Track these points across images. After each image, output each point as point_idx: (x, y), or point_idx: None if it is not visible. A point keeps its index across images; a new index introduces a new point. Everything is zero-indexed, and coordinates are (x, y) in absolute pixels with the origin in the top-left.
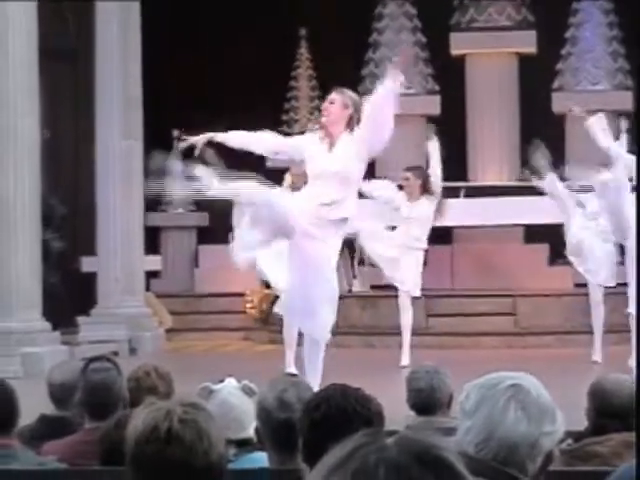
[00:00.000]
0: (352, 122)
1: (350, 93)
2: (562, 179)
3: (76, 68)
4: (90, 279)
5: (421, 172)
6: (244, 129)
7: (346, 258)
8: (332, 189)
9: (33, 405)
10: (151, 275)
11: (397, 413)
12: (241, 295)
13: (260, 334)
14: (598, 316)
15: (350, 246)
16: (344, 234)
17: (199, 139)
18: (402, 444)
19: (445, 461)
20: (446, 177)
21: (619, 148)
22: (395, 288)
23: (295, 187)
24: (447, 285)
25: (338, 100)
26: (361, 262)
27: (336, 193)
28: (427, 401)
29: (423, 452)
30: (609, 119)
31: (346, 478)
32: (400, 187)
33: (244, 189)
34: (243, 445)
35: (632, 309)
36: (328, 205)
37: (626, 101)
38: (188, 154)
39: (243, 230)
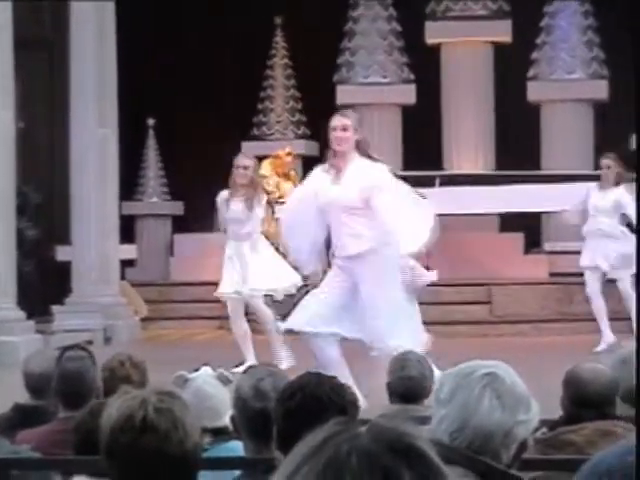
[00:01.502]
0: (360, 146)
1: (354, 114)
2: None
3: (51, 57)
4: (65, 268)
5: None
6: (221, 116)
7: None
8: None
9: (7, 394)
10: (126, 264)
11: (373, 401)
12: (216, 284)
13: None
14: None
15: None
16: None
17: None
18: (374, 432)
19: (418, 449)
20: (421, 166)
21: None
22: None
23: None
24: None
25: (350, 126)
26: None
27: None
28: (415, 389)
29: (395, 440)
30: (583, 108)
31: (318, 467)
32: None
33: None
34: (219, 434)
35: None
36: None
37: (601, 90)
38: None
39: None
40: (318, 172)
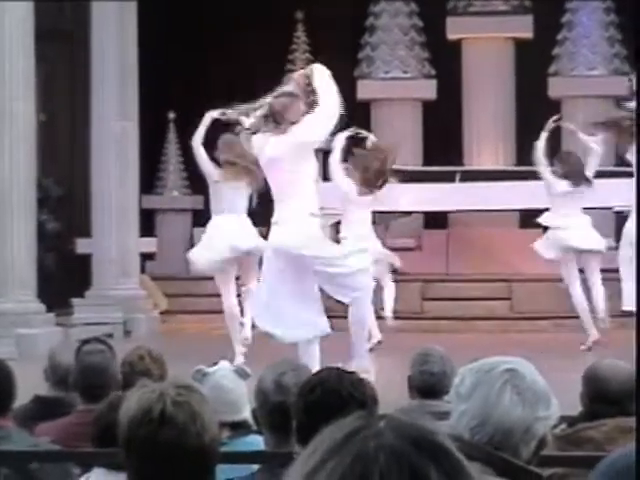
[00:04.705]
0: None
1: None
2: None
3: (72, 50)
4: (85, 261)
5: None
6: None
7: None
8: None
9: (27, 386)
10: (146, 257)
11: (393, 396)
12: (237, 278)
13: None
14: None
15: None
16: None
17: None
18: (397, 429)
19: (442, 447)
20: (441, 161)
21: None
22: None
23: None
24: (442, 269)
25: None
26: None
27: None
28: (435, 385)
29: (420, 438)
30: (607, 105)
31: (345, 463)
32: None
33: None
34: (237, 428)
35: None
36: None
37: (623, 87)
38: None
39: None
40: None
